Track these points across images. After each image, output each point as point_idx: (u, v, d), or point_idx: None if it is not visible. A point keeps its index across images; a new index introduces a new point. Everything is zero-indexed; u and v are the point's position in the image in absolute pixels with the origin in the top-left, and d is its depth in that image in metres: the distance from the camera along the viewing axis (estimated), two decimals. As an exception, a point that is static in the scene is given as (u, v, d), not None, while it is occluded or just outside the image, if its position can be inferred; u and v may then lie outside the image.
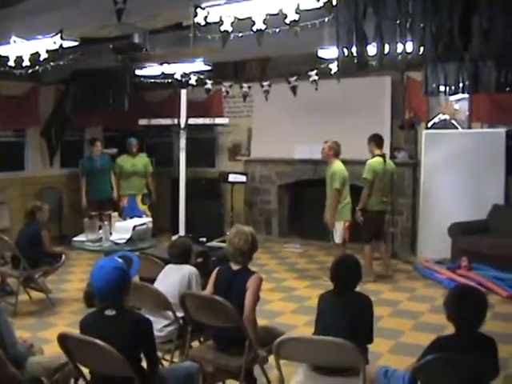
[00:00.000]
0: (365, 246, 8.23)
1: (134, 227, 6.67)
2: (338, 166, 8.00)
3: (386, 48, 4.42)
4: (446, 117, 9.54)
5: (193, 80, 9.02)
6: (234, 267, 4.27)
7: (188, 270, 4.73)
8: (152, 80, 9.43)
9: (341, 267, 4.08)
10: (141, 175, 10.63)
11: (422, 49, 4.32)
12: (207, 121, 10.89)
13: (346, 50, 4.59)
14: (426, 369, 3.08)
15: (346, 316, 3.82)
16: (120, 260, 3.51)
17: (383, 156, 8.24)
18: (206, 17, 4.82)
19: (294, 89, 8.59)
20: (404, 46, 4.42)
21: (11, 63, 6.81)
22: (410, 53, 4.44)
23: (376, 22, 4.40)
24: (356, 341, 3.39)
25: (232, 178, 10.86)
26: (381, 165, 8.12)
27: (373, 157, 8.20)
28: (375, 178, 8.04)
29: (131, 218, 7.57)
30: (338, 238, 8.05)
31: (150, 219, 7.47)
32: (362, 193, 8.12)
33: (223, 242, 9.47)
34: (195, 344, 4.69)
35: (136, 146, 10.59)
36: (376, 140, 8.25)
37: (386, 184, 8.27)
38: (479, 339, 3.26)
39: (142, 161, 10.71)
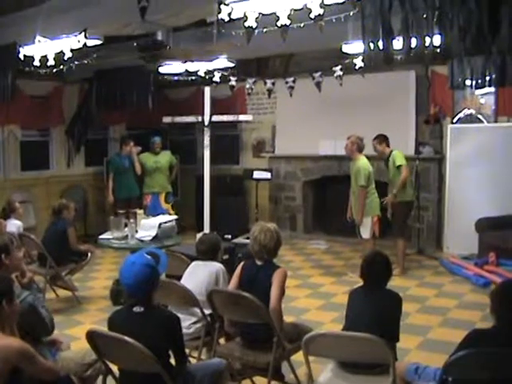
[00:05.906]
0: (397, 240, 8.21)
1: (160, 224, 6.63)
2: (362, 161, 7.98)
3: (413, 42, 4.38)
4: (472, 111, 9.43)
5: (216, 77, 8.99)
6: (259, 262, 4.28)
7: (216, 267, 4.72)
8: (176, 78, 9.44)
9: (371, 264, 4.05)
10: (164, 173, 10.58)
11: (449, 42, 4.28)
12: (231, 118, 10.88)
13: (372, 44, 4.55)
14: (458, 364, 3.03)
15: (375, 312, 3.78)
16: (149, 257, 3.51)
17: None
18: (230, 13, 4.80)
19: (318, 84, 8.52)
20: (431, 39, 4.36)
21: (36, 63, 6.84)
22: (437, 46, 4.39)
23: (402, 15, 4.36)
24: (384, 337, 3.36)
25: (257, 174, 10.84)
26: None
27: (390, 152, 8.23)
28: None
29: (154, 216, 7.55)
30: (366, 233, 8.01)
31: (175, 216, 7.45)
32: (398, 182, 8.06)
33: (249, 238, 9.46)
34: (222, 341, 4.68)
35: (159, 145, 10.54)
36: (386, 140, 8.28)
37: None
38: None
39: (165, 157, 10.63)
